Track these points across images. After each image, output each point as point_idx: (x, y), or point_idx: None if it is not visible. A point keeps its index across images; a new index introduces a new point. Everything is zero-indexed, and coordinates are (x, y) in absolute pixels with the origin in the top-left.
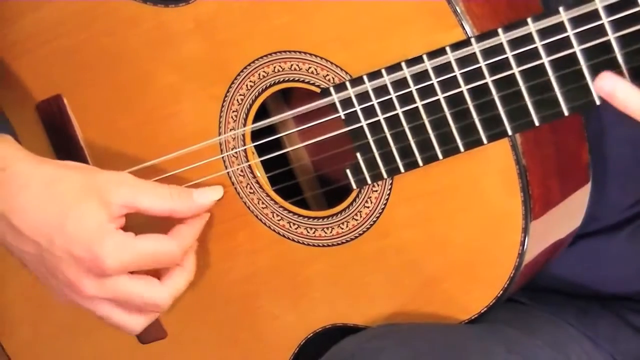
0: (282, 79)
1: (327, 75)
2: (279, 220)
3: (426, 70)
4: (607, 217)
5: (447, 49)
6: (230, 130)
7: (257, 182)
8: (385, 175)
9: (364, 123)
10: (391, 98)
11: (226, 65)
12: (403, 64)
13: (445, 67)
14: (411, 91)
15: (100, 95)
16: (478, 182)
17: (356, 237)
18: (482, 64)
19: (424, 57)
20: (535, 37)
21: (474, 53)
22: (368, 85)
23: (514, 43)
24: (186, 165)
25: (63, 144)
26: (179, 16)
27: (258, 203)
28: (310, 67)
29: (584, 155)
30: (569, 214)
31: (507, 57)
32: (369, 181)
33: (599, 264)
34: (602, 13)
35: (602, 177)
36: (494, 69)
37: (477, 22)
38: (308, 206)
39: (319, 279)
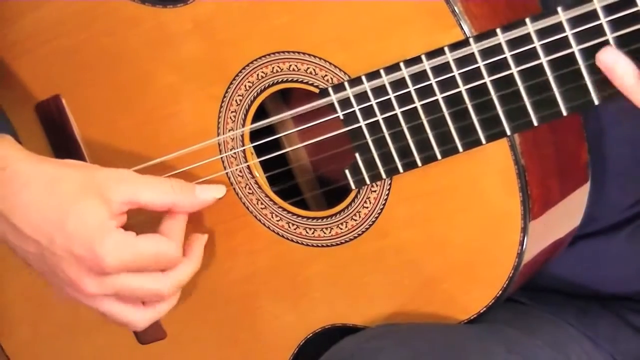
0: (280, 80)
1: (326, 75)
2: (278, 220)
3: (425, 71)
4: (606, 217)
5: (446, 49)
6: (229, 130)
7: (256, 183)
8: (384, 176)
9: (362, 123)
10: (390, 98)
11: (225, 65)
12: (401, 64)
13: (444, 67)
14: (410, 91)
15: (100, 95)
16: (477, 182)
17: (355, 237)
18: (481, 64)
19: (423, 57)
20: (534, 37)
21: (473, 53)
22: (367, 86)
23: (513, 43)
24: (185, 165)
25: (62, 144)
26: (177, 17)
27: (257, 203)
28: (308, 68)
29: (583, 155)
30: (568, 213)
31: (505, 57)
32: (367, 181)
33: (599, 264)
34: (600, 13)
35: (602, 177)
36: (492, 69)
37: (476, 22)
38: (307, 206)
39: (318, 279)
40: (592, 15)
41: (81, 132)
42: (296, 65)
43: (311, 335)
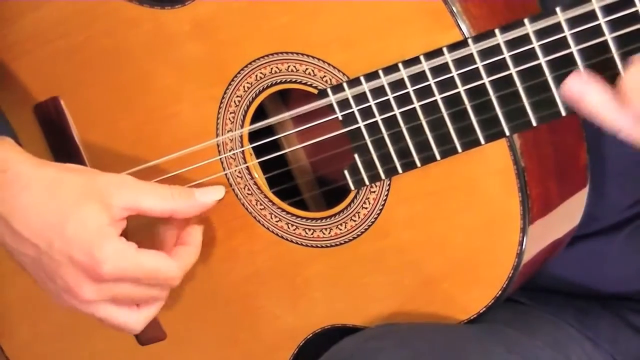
0: (279, 80)
1: (325, 76)
2: (277, 221)
3: (423, 71)
4: (606, 217)
5: (444, 49)
6: (228, 131)
7: (255, 184)
8: (383, 176)
9: (361, 124)
10: (388, 99)
11: (224, 66)
12: (400, 65)
13: (443, 68)
14: (408, 92)
15: (100, 95)
16: (476, 183)
17: (355, 237)
18: (480, 64)
19: (421, 58)
20: (533, 37)
21: (471, 54)
22: (365, 86)
23: (511, 44)
24: (184, 166)
25: (61, 145)
26: (176, 18)
27: (256, 204)
28: (307, 69)
29: (582, 155)
30: (568, 213)
31: (504, 58)
32: (366, 182)
33: (599, 264)
34: (599, 13)
35: (601, 177)
36: (491, 69)
37: (475, 22)
38: (306, 207)
39: (318, 280)
40: (591, 15)
41: (80, 133)
42: (295, 66)
43: (311, 335)
